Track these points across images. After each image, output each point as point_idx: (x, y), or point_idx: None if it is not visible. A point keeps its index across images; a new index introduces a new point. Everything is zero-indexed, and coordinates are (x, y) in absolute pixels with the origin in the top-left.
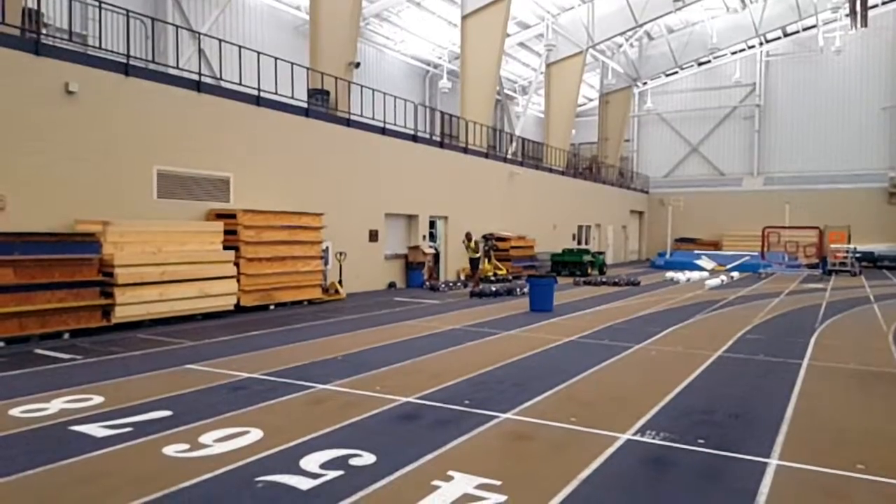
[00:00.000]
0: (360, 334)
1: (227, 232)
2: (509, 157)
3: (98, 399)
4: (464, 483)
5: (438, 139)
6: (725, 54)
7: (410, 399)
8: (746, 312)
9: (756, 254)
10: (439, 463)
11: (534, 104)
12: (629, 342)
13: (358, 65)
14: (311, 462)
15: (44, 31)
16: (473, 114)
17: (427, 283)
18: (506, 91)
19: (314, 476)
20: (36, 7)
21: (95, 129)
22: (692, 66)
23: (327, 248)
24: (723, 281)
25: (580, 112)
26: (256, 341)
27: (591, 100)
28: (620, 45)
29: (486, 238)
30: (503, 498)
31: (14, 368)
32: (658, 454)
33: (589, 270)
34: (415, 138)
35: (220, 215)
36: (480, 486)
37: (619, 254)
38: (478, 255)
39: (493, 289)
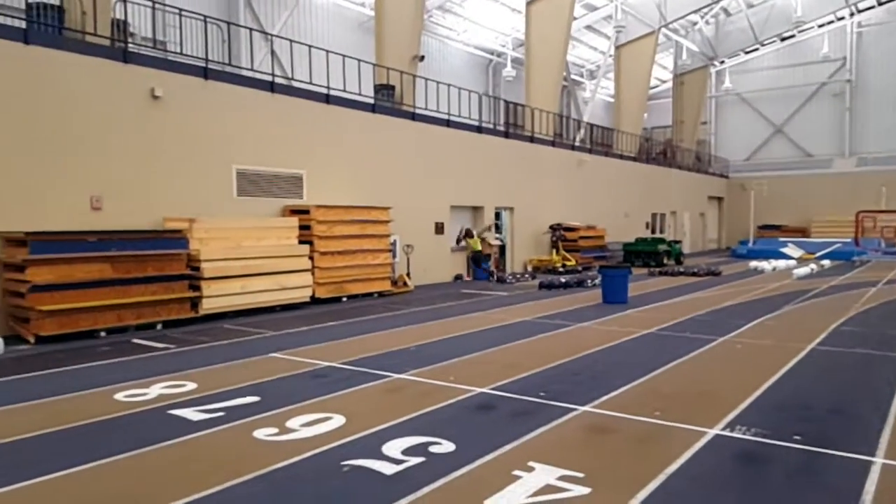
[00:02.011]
0: (431, 325)
1: (301, 227)
2: (577, 144)
3: (192, 385)
4: (545, 474)
5: (503, 129)
6: (811, 27)
7: (485, 390)
8: (840, 303)
9: (848, 240)
10: (519, 453)
11: (603, 89)
12: (712, 335)
13: (422, 58)
14: (392, 448)
15: (130, 39)
16: (539, 101)
17: (493, 276)
18: (573, 76)
19: (397, 462)
20: (123, 18)
21: (179, 132)
22: (774, 41)
23: (395, 241)
24: (812, 270)
25: (652, 95)
26: (332, 331)
27: (663, 81)
28: (695, 23)
29: (553, 228)
30: (587, 490)
31: (115, 357)
32: (750, 450)
33: (665, 260)
34: (479, 129)
35: (294, 211)
36: (563, 478)
37: (696, 242)
38: (479, 249)
39: (562, 280)
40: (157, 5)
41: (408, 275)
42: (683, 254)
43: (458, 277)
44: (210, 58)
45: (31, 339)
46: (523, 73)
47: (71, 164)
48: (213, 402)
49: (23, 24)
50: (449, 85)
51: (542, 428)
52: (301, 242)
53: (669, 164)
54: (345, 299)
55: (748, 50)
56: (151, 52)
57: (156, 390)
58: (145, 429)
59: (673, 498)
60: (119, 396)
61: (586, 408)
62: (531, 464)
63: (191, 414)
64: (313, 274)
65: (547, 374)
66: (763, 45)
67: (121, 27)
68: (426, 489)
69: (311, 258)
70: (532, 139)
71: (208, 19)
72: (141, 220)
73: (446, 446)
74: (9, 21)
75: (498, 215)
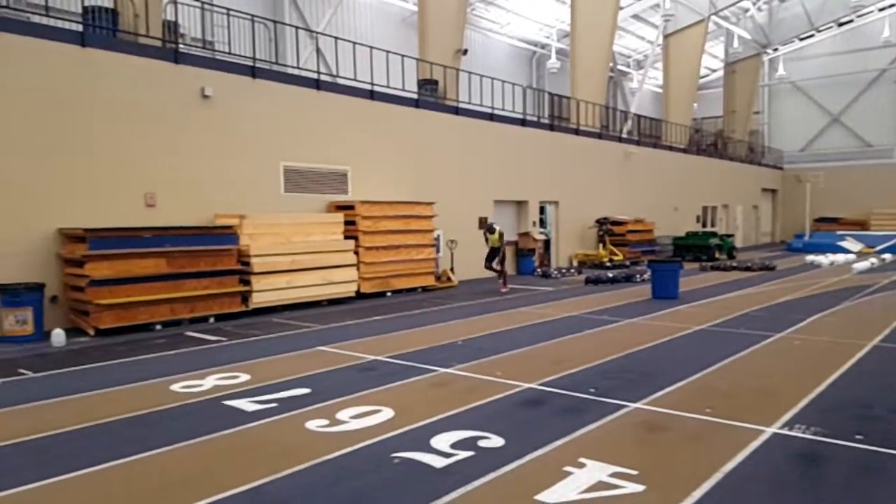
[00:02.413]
0: (476, 320)
1: (346, 223)
2: (624, 136)
3: (245, 377)
4: (597, 470)
5: (548, 122)
6: (871, 11)
7: (533, 385)
8: None
9: None
10: (569, 449)
11: (650, 79)
12: (768, 331)
13: (465, 52)
14: (441, 441)
15: (180, 40)
16: (585, 93)
17: (538, 270)
18: (619, 67)
19: (446, 455)
20: (174, 19)
21: (228, 130)
22: (831, 27)
23: (439, 236)
24: (872, 264)
25: (702, 84)
26: (378, 326)
27: (713, 71)
28: (747, 10)
29: (599, 222)
30: (641, 487)
31: (170, 349)
32: (810, 449)
33: (716, 255)
34: (523, 122)
35: (339, 207)
36: (615, 475)
37: (749, 236)
38: (498, 247)
39: (610, 275)
40: (206, 6)
41: (451, 270)
42: (736, 248)
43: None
44: (257, 57)
45: (91, 332)
46: (568, 64)
47: (126, 163)
48: (265, 394)
49: (79, 28)
50: (492, 78)
51: (592, 424)
52: (346, 238)
53: (720, 155)
54: (389, 294)
55: (803, 36)
56: (201, 52)
57: (210, 381)
58: (201, 419)
59: (730, 497)
60: (175, 387)
61: (638, 405)
62: (582, 460)
63: (245, 405)
64: (358, 269)
65: (596, 371)
66: (819, 31)
67: (172, 28)
68: (476, 483)
69: (356, 253)
70: (577, 131)
71: (255, 19)
72: (193, 216)
73: (495, 441)
74: (66, 24)
75: (542, 209)
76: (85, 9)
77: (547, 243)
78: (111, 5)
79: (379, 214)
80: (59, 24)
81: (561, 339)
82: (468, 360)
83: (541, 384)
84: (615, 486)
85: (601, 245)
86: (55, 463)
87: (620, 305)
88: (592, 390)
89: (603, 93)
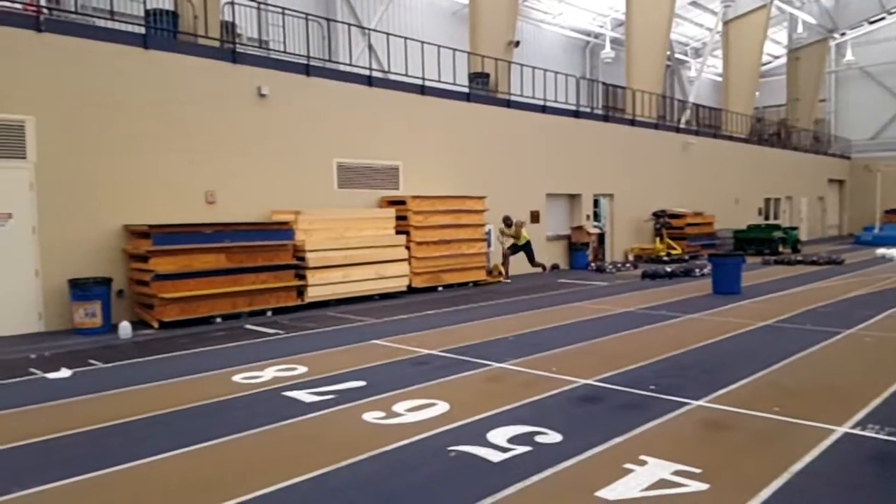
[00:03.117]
0: (528, 315)
1: (397, 217)
2: (682, 126)
3: (302, 369)
4: (659, 468)
5: (602, 113)
6: None
7: (589, 381)
8: None
9: None
10: (630, 446)
11: (709, 67)
12: (837, 327)
13: (518, 43)
14: (497, 436)
15: (237, 40)
16: (641, 82)
17: (592, 265)
18: (676, 55)
19: (503, 450)
20: (231, 20)
21: (283, 127)
22: None
23: (490, 230)
24: None
25: (764, 72)
26: (431, 320)
27: (776, 57)
28: None
29: (656, 215)
30: (705, 486)
31: (231, 341)
32: (884, 450)
33: (780, 248)
34: (577, 114)
35: (391, 202)
36: (678, 473)
37: (815, 229)
38: (520, 244)
39: (668, 270)
40: (261, 6)
41: (503, 264)
42: (801, 241)
43: (554, 267)
44: (311, 55)
45: (155, 325)
46: (623, 54)
47: (187, 161)
48: (323, 385)
49: (142, 30)
50: (545, 70)
51: (653, 422)
52: (397, 233)
53: (784, 145)
54: (440, 289)
55: (873, 19)
56: (257, 51)
57: (270, 373)
58: (263, 409)
59: (799, 498)
60: (237, 378)
61: (701, 402)
62: (643, 457)
63: (303, 396)
64: (410, 263)
65: (656, 367)
66: (890, 13)
67: (229, 29)
68: (535, 478)
69: (408, 248)
70: (633, 122)
71: (309, 17)
72: (250, 212)
73: (553, 436)
74: (130, 27)
75: (596, 203)
76: (147, 12)
77: (601, 237)
78: (172, 7)
79: (430, 209)
80: (123, 27)
81: (617, 335)
82: (522, 355)
83: (597, 380)
84: (678, 485)
85: (658, 239)
86: (134, 447)
87: (679, 301)
88: (652, 387)
89: (660, 82)
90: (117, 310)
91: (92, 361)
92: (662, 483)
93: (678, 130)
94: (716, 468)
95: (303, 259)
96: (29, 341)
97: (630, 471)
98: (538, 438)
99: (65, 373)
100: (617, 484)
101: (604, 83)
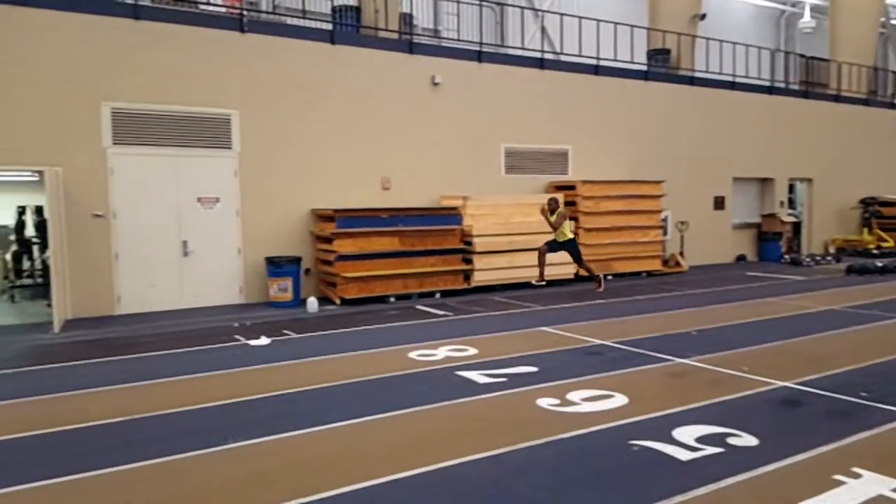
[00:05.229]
0: (712, 310)
1: (565, 203)
2: None
3: (473, 350)
4: (875, 483)
5: (800, 88)
6: None
7: (787, 384)
8: None
9: None
10: (838, 456)
11: None
12: None
13: (704, 16)
14: (684, 434)
15: (413, 31)
16: (847, 53)
17: (786, 257)
18: (892, 21)
19: (691, 449)
20: (409, 11)
21: (454, 115)
22: None
23: (666, 217)
24: None
25: None
26: (600, 310)
27: None
28: None
29: (865, 203)
30: None
31: (404, 320)
32: None
33: None
34: (770, 90)
35: (559, 187)
36: None
37: None
38: (560, 240)
39: (879, 265)
40: None
41: (681, 254)
42: None
43: (740, 258)
44: (483, 41)
45: (337, 301)
46: (826, 23)
47: (366, 149)
48: (494, 368)
49: (328, 27)
50: (734, 43)
51: (866, 432)
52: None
53: None
54: (610, 278)
55: None
56: (431, 40)
57: (443, 352)
58: (438, 385)
59: None
60: (413, 355)
61: None
62: (856, 469)
63: (476, 377)
64: None
65: (867, 372)
66: None
67: (407, 20)
68: (729, 481)
69: (576, 235)
70: (838, 98)
71: (483, 3)
72: (421, 198)
73: (748, 440)
74: (317, 24)
75: (791, 188)
76: (334, 8)
77: (797, 226)
78: (355, 3)
79: (601, 194)
80: (311, 24)
81: (819, 334)
82: (707, 351)
83: (797, 383)
84: None
85: (866, 229)
86: (329, 412)
87: (894, 300)
88: (864, 394)
89: (872, 53)
90: (305, 286)
91: (286, 332)
92: (880, 499)
93: (893, 107)
94: None
95: (470, 244)
96: (232, 311)
97: (841, 483)
98: (731, 440)
99: (264, 341)
100: (825, 496)
101: (802, 55)
